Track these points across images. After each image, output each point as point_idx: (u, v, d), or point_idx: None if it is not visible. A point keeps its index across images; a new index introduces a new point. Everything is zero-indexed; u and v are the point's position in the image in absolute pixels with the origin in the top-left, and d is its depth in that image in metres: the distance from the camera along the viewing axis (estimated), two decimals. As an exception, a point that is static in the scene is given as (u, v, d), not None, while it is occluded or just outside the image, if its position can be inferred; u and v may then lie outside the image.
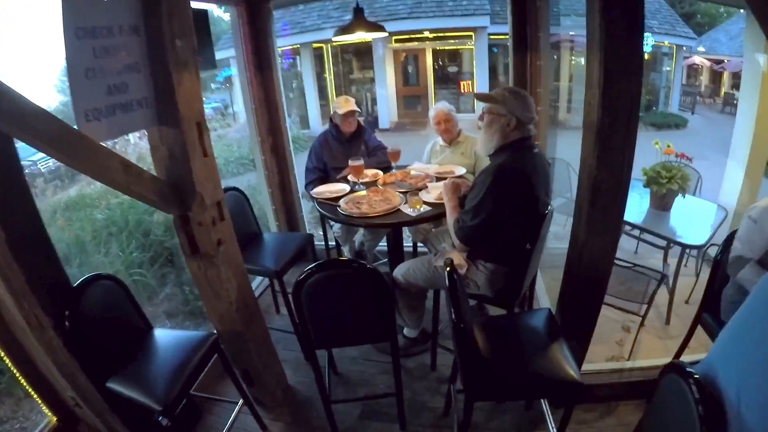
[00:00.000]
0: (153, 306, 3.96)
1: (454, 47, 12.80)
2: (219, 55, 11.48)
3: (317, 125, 12.51)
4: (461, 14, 10.95)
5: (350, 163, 2.58)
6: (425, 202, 2.26)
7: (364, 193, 2.44)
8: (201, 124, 1.60)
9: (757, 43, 2.96)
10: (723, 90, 14.47)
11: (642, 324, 2.59)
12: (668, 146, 3.08)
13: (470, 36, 11.89)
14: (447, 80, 13.61)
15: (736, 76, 13.45)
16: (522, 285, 1.96)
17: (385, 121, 12.88)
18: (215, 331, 1.97)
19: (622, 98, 1.54)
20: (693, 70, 15.61)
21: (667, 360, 2.23)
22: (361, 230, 3.10)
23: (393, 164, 2.91)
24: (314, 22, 11.56)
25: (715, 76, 14.77)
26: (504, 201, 1.79)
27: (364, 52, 13.12)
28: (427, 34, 12.10)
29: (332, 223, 2.98)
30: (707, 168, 3.52)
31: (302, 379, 2.44)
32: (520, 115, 1.81)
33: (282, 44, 10.92)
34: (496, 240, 1.88)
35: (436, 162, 2.97)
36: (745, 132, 3.13)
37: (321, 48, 12.66)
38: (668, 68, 13.38)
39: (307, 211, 3.79)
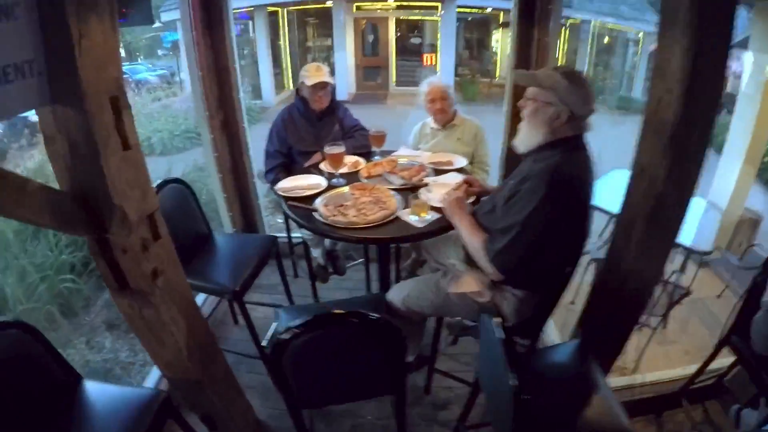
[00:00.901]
0: (90, 316, 3.33)
1: (420, 17, 12.22)
2: (167, 17, 10.42)
3: (270, 95, 11.65)
4: None
5: (326, 150, 2.03)
6: (432, 208, 1.77)
7: (346, 190, 1.93)
8: (118, 99, 1.05)
9: (765, 44, 2.89)
10: None
11: (652, 336, 2.40)
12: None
13: (437, 6, 11.34)
14: (409, 52, 13.08)
15: None
16: (551, 312, 1.63)
17: (343, 92, 12.18)
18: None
19: (707, 95, 1.26)
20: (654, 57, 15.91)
21: (676, 371, 2.17)
22: None
23: (376, 150, 2.41)
24: None
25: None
26: (560, 216, 1.38)
27: (322, 18, 12.28)
28: (391, 1, 11.41)
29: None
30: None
31: (273, 410, 2.00)
32: (574, 107, 1.39)
33: (235, 6, 9.85)
34: (537, 264, 1.46)
35: (426, 147, 2.53)
36: (742, 132, 3.13)
37: (276, 12, 11.63)
38: (634, 54, 13.60)
39: (262, 194, 3.23)
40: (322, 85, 2.38)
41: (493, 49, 15.07)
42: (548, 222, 1.37)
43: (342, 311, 1.05)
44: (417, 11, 11.98)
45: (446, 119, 2.49)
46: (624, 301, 1.61)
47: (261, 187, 3.07)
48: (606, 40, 14.00)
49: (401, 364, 1.28)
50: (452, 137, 2.49)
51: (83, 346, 2.89)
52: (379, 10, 11.93)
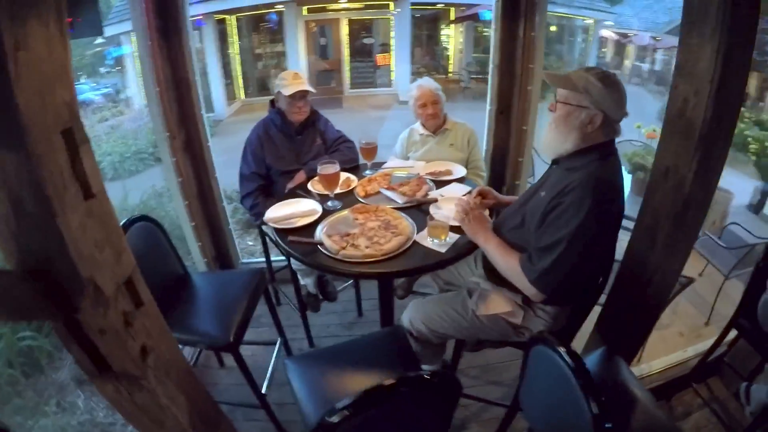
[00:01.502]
0: (56, 373, 2.93)
1: (372, 17, 12.03)
2: (111, 31, 9.68)
3: (222, 107, 11.14)
4: None
5: (320, 170, 1.78)
6: (451, 227, 1.57)
7: (346, 213, 1.70)
8: (73, 132, 0.80)
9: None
10: (629, 62, 15.62)
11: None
12: (653, 130, 2.83)
13: (388, 5, 11.20)
14: (363, 53, 12.89)
15: (642, 49, 14.64)
16: (581, 324, 1.57)
17: (297, 99, 11.82)
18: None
19: (734, 94, 1.26)
20: (600, 43, 16.48)
21: (678, 355, 2.20)
22: None
23: (367, 163, 2.19)
24: None
25: (620, 48, 15.68)
26: (605, 228, 1.31)
27: (269, 24, 11.86)
28: (342, 2, 11.17)
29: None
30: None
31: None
32: (609, 111, 1.29)
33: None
34: (576, 278, 1.35)
35: (416, 156, 2.34)
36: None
37: (224, 20, 11.11)
38: (581, 41, 13.97)
39: (229, 211, 2.94)
40: (302, 94, 2.13)
41: (444, 45, 15.13)
42: (594, 235, 1.28)
43: (391, 381, 0.84)
44: (369, 11, 11.78)
45: (438, 124, 2.32)
46: (646, 301, 1.57)
47: (230, 209, 2.81)
48: (553, 28, 14.33)
49: (452, 411, 1.10)
50: (445, 143, 2.32)
51: (55, 408, 2.53)
52: (330, 12, 11.63)
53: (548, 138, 1.40)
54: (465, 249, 1.52)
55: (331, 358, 1.47)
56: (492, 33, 2.58)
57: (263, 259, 3.13)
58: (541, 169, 3.29)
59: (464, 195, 1.85)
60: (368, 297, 2.75)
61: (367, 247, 1.43)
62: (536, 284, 1.33)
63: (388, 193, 1.87)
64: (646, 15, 14.76)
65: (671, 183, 1.38)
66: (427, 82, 2.29)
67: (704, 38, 1.20)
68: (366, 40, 12.83)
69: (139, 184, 4.93)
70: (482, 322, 1.52)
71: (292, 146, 2.21)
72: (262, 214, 2.12)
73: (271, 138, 2.20)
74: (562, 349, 0.99)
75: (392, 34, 11.89)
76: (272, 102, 2.26)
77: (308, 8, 11.27)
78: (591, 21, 13.77)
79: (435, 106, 2.25)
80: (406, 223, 1.59)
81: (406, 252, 1.47)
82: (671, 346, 2.61)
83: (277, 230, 1.64)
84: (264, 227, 2.25)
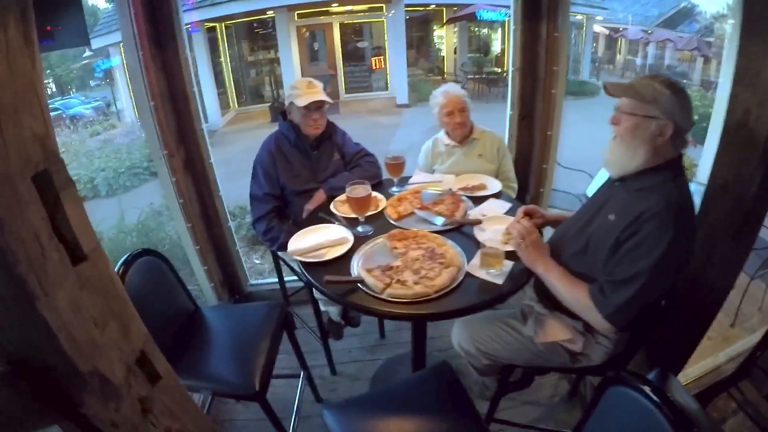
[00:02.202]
0: None
1: (365, 20, 11.86)
2: (99, 43, 9.44)
3: (216, 117, 10.91)
4: None
5: (350, 192, 1.54)
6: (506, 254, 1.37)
7: (381, 241, 1.48)
8: (50, 176, 0.59)
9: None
10: (621, 56, 15.63)
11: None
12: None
13: (381, 7, 11.04)
14: (357, 57, 12.72)
15: (634, 43, 14.67)
16: (640, 347, 1.45)
17: (294, 106, 11.63)
18: None
19: None
20: (593, 39, 16.52)
21: (708, 361, 2.11)
22: None
23: (394, 179, 1.98)
24: None
25: (611, 43, 15.67)
26: (685, 255, 1.20)
27: (262, 30, 11.66)
28: (334, 6, 10.99)
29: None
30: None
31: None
32: (679, 120, 1.18)
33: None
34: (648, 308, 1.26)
35: (443, 169, 2.14)
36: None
37: (215, 28, 10.88)
38: (576, 36, 13.95)
39: (233, 229, 2.73)
40: (317, 105, 1.91)
41: (436, 47, 15.02)
42: (677, 265, 1.18)
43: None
44: (361, 14, 11.59)
45: (465, 134, 2.13)
46: (698, 315, 1.54)
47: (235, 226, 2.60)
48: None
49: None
50: (473, 154, 2.13)
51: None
52: (321, 16, 11.43)
53: (615, 154, 1.27)
54: (522, 278, 1.34)
55: (374, 405, 1.31)
56: (511, 34, 2.41)
57: (274, 280, 2.92)
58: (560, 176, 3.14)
59: (505, 213, 1.70)
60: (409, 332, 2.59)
61: (416, 283, 1.23)
62: (610, 319, 1.21)
63: (424, 215, 1.67)
64: (637, 9, 14.78)
65: (730, 198, 1.33)
66: (454, 88, 2.09)
67: (767, 48, 1.18)
68: (359, 44, 12.65)
69: (135, 201, 4.71)
70: (538, 348, 1.42)
71: (308, 163, 2.00)
72: (278, 238, 1.93)
73: (284, 155, 1.99)
74: (647, 389, 0.92)
75: (386, 36, 11.70)
76: (284, 114, 2.05)
77: (299, 13, 11.04)
78: (582, 17, 13.72)
79: (462, 114, 2.07)
80: (453, 250, 1.38)
81: (459, 286, 1.27)
82: (700, 351, 2.53)
83: (305, 264, 1.42)
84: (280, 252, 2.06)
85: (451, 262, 1.31)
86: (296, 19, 11.10)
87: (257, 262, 3.74)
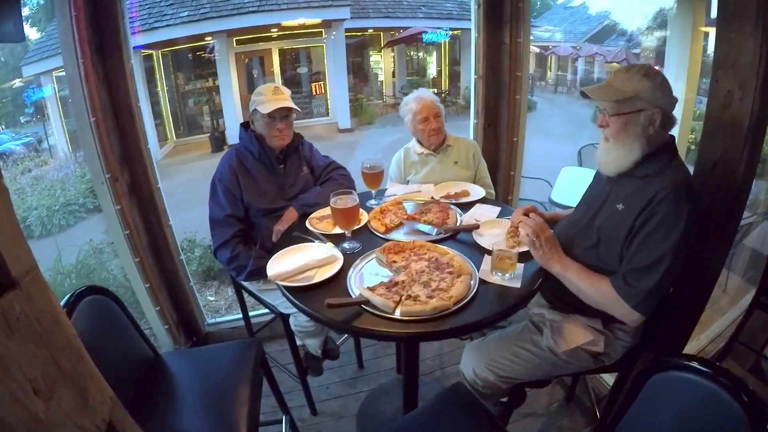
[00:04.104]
0: None
1: (304, 45, 11.81)
2: (30, 71, 8.65)
3: (155, 150, 10.24)
4: (318, 6, 9.81)
5: (334, 203, 1.37)
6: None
7: (376, 256, 1.31)
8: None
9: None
10: (552, 72, 16.69)
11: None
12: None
13: (321, 32, 11.07)
14: (296, 83, 12.60)
15: (563, 59, 15.63)
16: (652, 338, 1.41)
17: (234, 136, 11.26)
18: None
19: None
20: None
21: (692, 346, 2.10)
22: None
23: (372, 192, 1.81)
24: (144, 21, 9.25)
25: (542, 60, 16.69)
26: (697, 231, 1.20)
27: (198, 58, 11.27)
28: (273, 32, 10.86)
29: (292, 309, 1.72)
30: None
31: None
32: (664, 105, 1.20)
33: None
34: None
35: (418, 179, 2.02)
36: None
37: (151, 56, 10.33)
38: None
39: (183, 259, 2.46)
40: (284, 113, 1.73)
41: (373, 71, 15.28)
42: (692, 244, 1.18)
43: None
44: (300, 39, 11.51)
45: (440, 141, 2.03)
46: (695, 295, 1.52)
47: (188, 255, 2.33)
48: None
49: None
50: (448, 161, 2.02)
51: None
52: (260, 42, 11.24)
53: (610, 155, 1.26)
54: (537, 280, 1.23)
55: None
56: (472, 42, 2.40)
57: (233, 317, 2.65)
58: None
59: (497, 217, 1.60)
60: (368, 344, 2.40)
61: (430, 297, 1.08)
62: (639, 308, 1.17)
63: (414, 225, 1.52)
64: (565, 26, 15.89)
65: (720, 177, 1.36)
66: (426, 93, 1.99)
67: (744, 33, 1.23)
68: (298, 70, 12.54)
69: (72, 240, 4.20)
70: (560, 357, 1.36)
71: (274, 179, 1.80)
72: (245, 267, 1.70)
73: (247, 170, 1.77)
74: (710, 370, 0.88)
75: (326, 61, 11.70)
76: (245, 125, 1.84)
77: (237, 40, 10.76)
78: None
79: (438, 120, 1.96)
80: (460, 258, 1.25)
81: (476, 295, 1.14)
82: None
83: (291, 289, 1.21)
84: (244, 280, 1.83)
85: (461, 270, 1.18)
86: (235, 46, 10.83)
87: (211, 299, 3.40)
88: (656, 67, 1.25)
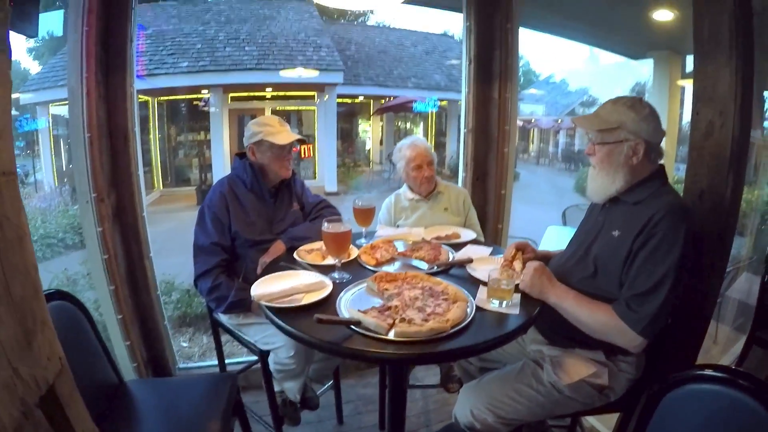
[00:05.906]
0: None
1: (297, 108, 12.25)
2: (28, 99, 8.66)
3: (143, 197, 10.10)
4: (314, 68, 10.24)
5: (327, 229, 1.35)
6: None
7: (368, 284, 1.28)
8: None
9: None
10: (534, 145, 17.53)
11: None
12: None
13: (313, 96, 11.54)
14: (288, 145, 12.88)
15: (545, 132, 16.47)
16: (655, 369, 1.39)
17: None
18: None
19: (751, 109, 1.42)
20: None
21: None
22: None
23: (363, 230, 1.80)
24: (145, 66, 9.48)
25: (524, 133, 17.60)
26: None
27: (193, 111, 11.55)
28: (267, 92, 11.28)
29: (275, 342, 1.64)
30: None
31: None
32: (647, 137, 1.24)
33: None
34: None
35: (408, 224, 2.03)
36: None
37: (147, 102, 10.54)
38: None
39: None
40: (292, 145, 1.76)
41: (361, 138, 15.80)
42: (688, 264, 1.19)
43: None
44: (294, 101, 11.96)
45: (431, 188, 2.07)
46: (693, 329, 1.52)
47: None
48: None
49: None
50: (438, 208, 2.06)
51: None
52: (254, 101, 11.63)
53: (595, 184, 1.33)
54: (536, 308, 1.22)
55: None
56: (463, 97, 2.53)
57: (210, 363, 2.50)
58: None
59: (490, 254, 1.62)
60: (349, 399, 2.27)
61: (425, 320, 1.04)
62: (644, 333, 1.16)
63: (405, 260, 1.51)
64: (547, 100, 16.90)
65: (709, 204, 1.41)
66: (421, 141, 2.05)
67: (720, 64, 1.33)
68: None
69: (47, 272, 3.99)
70: (563, 393, 1.30)
71: (264, 211, 1.78)
72: (226, 298, 1.64)
73: (238, 199, 1.75)
74: (728, 376, 0.85)
75: (316, 125, 12.08)
76: (240, 155, 1.85)
77: (232, 96, 11.13)
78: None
79: (431, 168, 2.02)
80: (454, 287, 1.23)
81: (472, 321, 1.10)
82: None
83: (276, 310, 1.16)
84: (223, 315, 1.75)
85: (456, 297, 1.16)
86: (229, 102, 11.17)
87: (185, 345, 3.20)
88: (645, 100, 1.30)
